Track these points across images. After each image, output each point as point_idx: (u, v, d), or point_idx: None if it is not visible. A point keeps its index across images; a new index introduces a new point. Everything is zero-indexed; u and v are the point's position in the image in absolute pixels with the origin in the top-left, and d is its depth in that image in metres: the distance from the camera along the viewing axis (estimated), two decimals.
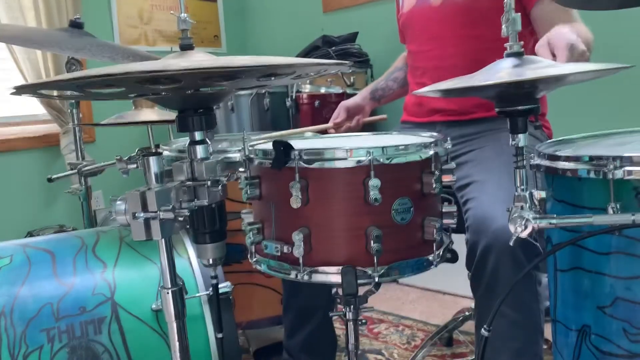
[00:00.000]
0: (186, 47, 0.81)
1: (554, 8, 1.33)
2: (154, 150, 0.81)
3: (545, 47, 1.05)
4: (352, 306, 0.94)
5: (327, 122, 1.70)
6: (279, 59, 0.70)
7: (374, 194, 0.87)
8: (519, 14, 0.81)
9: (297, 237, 0.89)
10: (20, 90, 0.70)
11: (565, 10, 1.33)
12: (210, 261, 0.86)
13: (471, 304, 1.83)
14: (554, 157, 0.90)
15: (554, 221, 0.82)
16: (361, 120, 1.70)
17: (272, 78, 0.78)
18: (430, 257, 0.96)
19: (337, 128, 1.69)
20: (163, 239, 0.81)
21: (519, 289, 1.13)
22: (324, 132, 1.68)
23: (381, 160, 0.89)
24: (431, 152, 0.93)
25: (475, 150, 1.38)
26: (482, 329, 0.86)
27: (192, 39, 0.82)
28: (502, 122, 0.85)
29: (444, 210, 0.99)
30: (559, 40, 1.04)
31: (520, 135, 0.83)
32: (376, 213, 0.90)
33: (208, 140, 0.83)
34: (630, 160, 0.79)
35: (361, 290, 0.94)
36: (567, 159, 0.87)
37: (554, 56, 1.03)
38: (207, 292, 1.11)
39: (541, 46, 1.06)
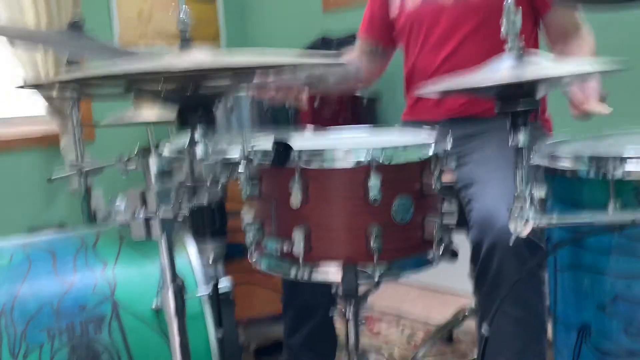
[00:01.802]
0: (185, 44, 0.81)
1: (564, 15, 1.43)
2: (153, 150, 0.81)
3: (579, 91, 1.20)
4: (352, 305, 0.95)
5: (328, 122, 1.68)
6: (278, 56, 0.69)
7: (373, 194, 0.88)
8: (520, 12, 0.81)
9: (297, 235, 0.89)
10: (26, 86, 0.69)
11: (574, 17, 1.42)
12: (211, 260, 0.86)
13: (471, 302, 1.83)
14: (554, 157, 0.90)
15: (554, 220, 0.83)
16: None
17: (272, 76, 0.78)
18: (430, 256, 0.96)
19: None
20: (163, 238, 0.81)
21: (523, 288, 1.13)
22: None
23: (381, 160, 0.89)
24: (431, 152, 0.93)
25: (478, 150, 1.38)
26: (483, 327, 0.86)
27: (191, 33, 0.82)
28: (503, 122, 0.85)
29: (443, 209, 0.99)
30: (591, 89, 1.21)
31: (521, 135, 0.83)
32: (376, 212, 0.90)
33: (208, 140, 0.83)
34: (630, 160, 0.79)
35: (361, 289, 0.94)
36: (567, 158, 0.87)
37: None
38: (207, 291, 1.11)
39: (576, 90, 1.21)
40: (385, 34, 1.66)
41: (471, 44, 1.44)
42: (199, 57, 0.76)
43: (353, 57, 1.72)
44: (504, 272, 1.11)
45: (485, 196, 1.19)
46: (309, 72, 0.88)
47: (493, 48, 1.37)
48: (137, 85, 0.70)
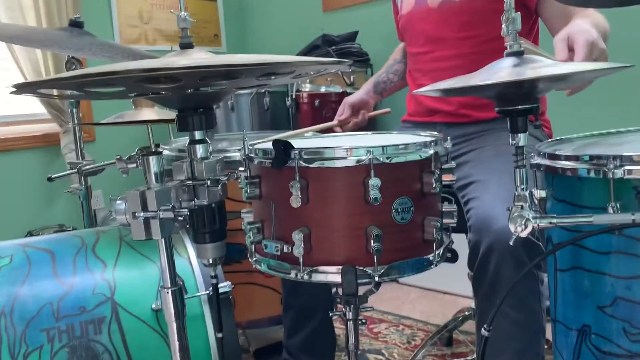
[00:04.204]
0: (186, 46, 0.81)
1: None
2: (153, 150, 0.81)
3: (564, 41, 1.01)
4: (352, 306, 0.94)
5: (327, 121, 1.69)
6: (279, 57, 0.69)
7: (374, 193, 0.87)
8: (519, 13, 0.81)
9: (297, 236, 0.89)
10: (20, 88, 0.70)
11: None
12: (210, 261, 0.86)
13: (471, 303, 1.83)
14: (554, 157, 0.90)
15: (554, 221, 0.82)
16: (366, 114, 1.70)
17: (272, 77, 0.78)
18: (430, 257, 0.96)
19: (343, 125, 1.68)
20: (163, 239, 0.81)
21: (521, 289, 1.13)
22: (330, 130, 1.67)
23: (381, 159, 0.89)
24: (431, 152, 0.93)
25: (476, 150, 1.38)
26: (482, 329, 0.86)
27: (192, 37, 0.82)
28: (502, 122, 0.85)
29: (444, 209, 0.99)
30: (579, 36, 0.99)
31: (520, 135, 0.82)
32: (376, 212, 0.90)
33: (208, 140, 0.83)
34: (630, 160, 0.79)
35: (361, 290, 0.94)
36: (567, 158, 0.87)
37: (571, 51, 1.00)
38: (207, 292, 1.11)
39: (559, 40, 1.01)
40: None
41: (460, 45, 1.43)
42: (199, 55, 0.76)
43: (399, 55, 1.78)
44: (502, 273, 1.11)
45: (483, 197, 1.19)
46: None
47: (481, 48, 1.38)
48: (137, 84, 0.70)
